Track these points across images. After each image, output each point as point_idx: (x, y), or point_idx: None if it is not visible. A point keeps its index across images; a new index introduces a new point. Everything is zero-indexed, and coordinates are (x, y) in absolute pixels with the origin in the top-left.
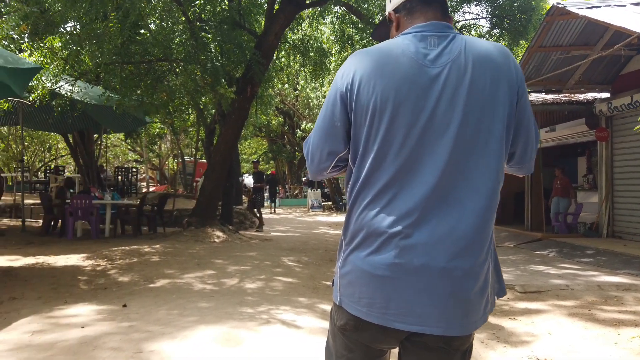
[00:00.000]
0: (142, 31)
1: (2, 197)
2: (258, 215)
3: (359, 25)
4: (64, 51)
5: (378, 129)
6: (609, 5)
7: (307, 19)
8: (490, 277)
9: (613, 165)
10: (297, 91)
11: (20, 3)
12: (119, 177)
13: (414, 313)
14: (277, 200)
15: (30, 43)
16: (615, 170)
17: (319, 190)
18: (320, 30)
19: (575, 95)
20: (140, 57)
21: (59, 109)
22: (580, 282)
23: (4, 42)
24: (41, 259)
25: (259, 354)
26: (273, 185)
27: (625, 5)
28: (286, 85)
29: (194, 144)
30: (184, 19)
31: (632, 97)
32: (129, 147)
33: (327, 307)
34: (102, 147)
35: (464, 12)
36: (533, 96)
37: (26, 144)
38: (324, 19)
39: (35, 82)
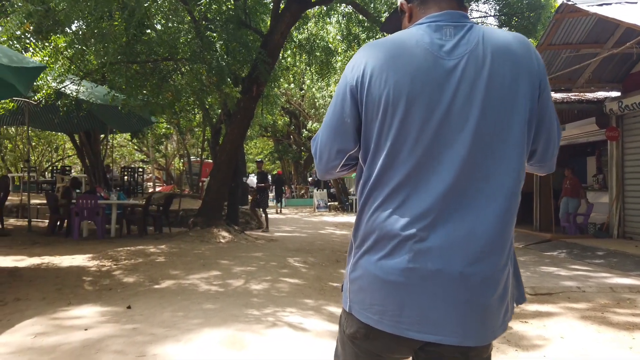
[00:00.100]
0: (148, 31)
1: (9, 197)
2: (264, 215)
3: (366, 23)
4: (69, 50)
5: (390, 125)
6: (620, 2)
7: (313, 18)
8: (510, 283)
9: (624, 165)
10: (303, 91)
11: (25, 2)
12: (125, 177)
13: (429, 321)
14: (283, 200)
15: (35, 42)
16: (626, 170)
17: (325, 190)
18: (327, 29)
19: (585, 94)
20: (145, 56)
21: (65, 108)
22: (592, 284)
23: (9, 41)
24: (46, 259)
25: (265, 358)
26: (279, 185)
27: (636, 2)
28: (292, 85)
29: (200, 144)
30: (189, 18)
31: None
32: (136, 147)
33: (334, 310)
34: (109, 147)
35: (471, 10)
36: None
37: (33, 144)
38: (330, 18)
39: (40, 81)
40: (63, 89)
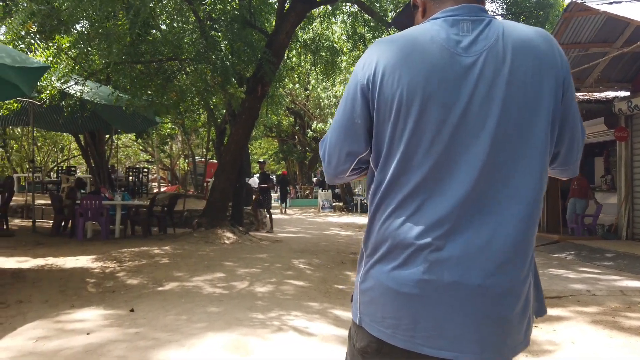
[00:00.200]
0: (153, 31)
1: (14, 198)
2: (268, 216)
3: (371, 23)
4: (73, 50)
5: (404, 127)
6: (630, 1)
7: (319, 18)
8: (531, 295)
9: (632, 166)
10: (308, 91)
11: (29, 1)
12: (130, 178)
13: (445, 336)
14: (287, 200)
15: (39, 42)
16: (635, 171)
17: (329, 190)
18: (332, 29)
19: (594, 93)
20: (150, 56)
21: (69, 109)
22: (602, 287)
23: (14, 42)
24: (50, 261)
25: None
26: (284, 186)
27: None
28: (297, 85)
29: (204, 144)
30: (194, 18)
31: None
32: (141, 147)
33: (340, 313)
34: (113, 147)
35: None
36: None
37: (39, 144)
38: (335, 18)
39: (44, 82)
40: (67, 89)
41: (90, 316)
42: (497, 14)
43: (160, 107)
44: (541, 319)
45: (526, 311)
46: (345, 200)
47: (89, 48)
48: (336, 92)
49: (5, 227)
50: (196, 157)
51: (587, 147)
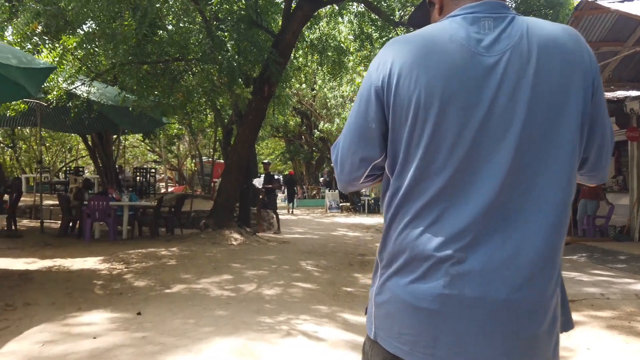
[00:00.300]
0: (160, 32)
1: (22, 198)
2: (275, 217)
3: (378, 23)
4: (79, 51)
5: (422, 131)
6: None
7: (325, 18)
8: (559, 310)
9: None
10: (315, 91)
11: (35, 1)
12: (138, 178)
13: (468, 355)
14: (295, 200)
15: (44, 43)
16: None
17: (337, 191)
18: (338, 29)
19: (605, 93)
20: (156, 56)
21: (76, 109)
22: (616, 290)
23: (22, 43)
24: (58, 262)
25: None
26: (291, 186)
27: None
28: (304, 85)
29: (211, 145)
30: (200, 18)
31: None
32: (148, 147)
33: (349, 317)
34: (121, 147)
35: None
36: None
37: (47, 144)
38: (342, 18)
39: (51, 82)
40: (74, 90)
41: (97, 319)
42: None
43: (167, 108)
44: None
45: (554, 327)
46: (353, 201)
47: (95, 49)
48: (343, 92)
49: (13, 227)
50: (203, 158)
51: None
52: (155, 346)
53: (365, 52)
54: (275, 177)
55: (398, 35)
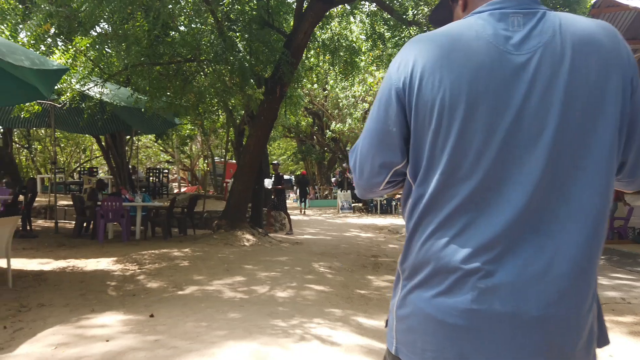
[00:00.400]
0: (172, 33)
1: (38, 199)
2: (286, 218)
3: (390, 22)
4: (92, 52)
5: (447, 135)
6: None
7: (337, 18)
8: (595, 326)
9: None
10: (326, 91)
11: (47, 3)
12: (151, 178)
13: None
14: (307, 201)
15: (57, 44)
16: None
17: (349, 191)
18: (350, 29)
19: None
20: (168, 57)
21: (89, 111)
22: (637, 294)
23: (36, 45)
24: (72, 263)
25: None
26: (303, 186)
27: None
28: (315, 85)
29: (223, 145)
30: (212, 19)
31: None
32: (161, 148)
33: (363, 320)
34: (134, 148)
35: None
36: None
37: (62, 145)
38: (354, 17)
39: (64, 84)
40: (87, 91)
41: (110, 321)
42: None
43: (179, 109)
44: None
45: (591, 345)
46: (365, 201)
47: (107, 50)
48: (354, 92)
49: (28, 228)
50: (215, 158)
51: None
52: (167, 350)
53: (377, 51)
54: (286, 177)
55: (411, 34)
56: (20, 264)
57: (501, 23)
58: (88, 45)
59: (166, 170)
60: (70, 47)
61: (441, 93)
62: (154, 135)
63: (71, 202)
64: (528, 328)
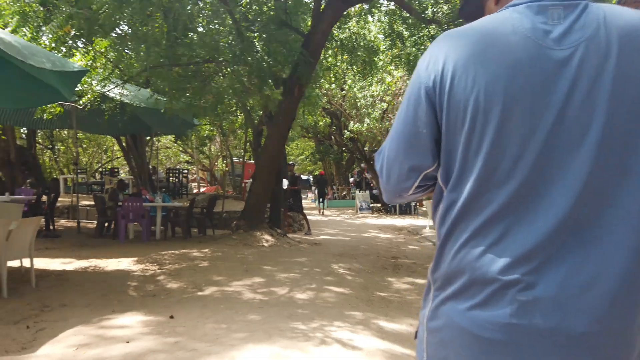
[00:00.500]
0: (191, 34)
1: (61, 199)
2: (304, 218)
3: (409, 20)
4: (112, 53)
5: (482, 137)
6: None
7: (355, 17)
8: None
9: None
10: (344, 91)
11: (68, 5)
12: (171, 179)
13: None
14: (325, 201)
15: (78, 46)
16: None
17: (367, 191)
18: (368, 28)
19: None
20: (187, 59)
21: (109, 112)
22: None
23: (58, 47)
24: (93, 262)
25: None
26: (322, 186)
27: None
28: (333, 85)
29: (242, 145)
30: (230, 20)
31: None
32: (180, 148)
33: (384, 324)
34: (154, 149)
35: None
36: None
37: (84, 146)
38: (372, 17)
39: (84, 85)
40: (107, 92)
41: (130, 322)
42: None
43: (198, 109)
44: None
45: None
46: (384, 202)
47: (128, 52)
48: (373, 91)
49: (51, 227)
50: (234, 158)
51: None
52: (187, 352)
53: (396, 51)
54: (304, 177)
55: (430, 33)
56: (43, 263)
57: (539, 16)
58: (107, 46)
59: (186, 171)
60: (90, 48)
61: (475, 92)
62: (174, 135)
63: (93, 202)
64: (572, 345)
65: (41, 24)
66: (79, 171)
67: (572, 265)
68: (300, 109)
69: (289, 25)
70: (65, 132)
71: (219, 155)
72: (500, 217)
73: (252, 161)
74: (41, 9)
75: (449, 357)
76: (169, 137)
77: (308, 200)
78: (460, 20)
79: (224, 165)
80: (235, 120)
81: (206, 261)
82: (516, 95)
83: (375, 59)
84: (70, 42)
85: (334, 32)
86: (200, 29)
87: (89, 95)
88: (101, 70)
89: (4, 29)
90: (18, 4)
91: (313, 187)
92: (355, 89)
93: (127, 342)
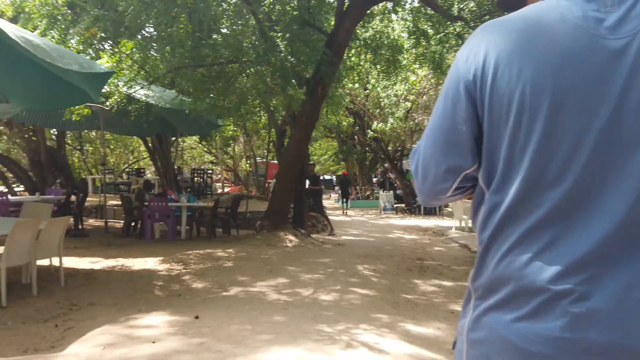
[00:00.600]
0: (215, 36)
1: (89, 198)
2: (325, 219)
3: (434, 18)
4: (138, 55)
5: (529, 135)
6: None
7: (378, 16)
8: None
9: None
10: (367, 90)
11: (94, 7)
12: (196, 179)
13: None
14: (348, 201)
15: (104, 48)
16: None
17: (391, 192)
18: (392, 27)
19: None
20: (211, 60)
21: (135, 113)
22: None
23: (86, 50)
24: (120, 262)
25: None
26: (345, 186)
27: None
28: (356, 85)
29: (265, 145)
30: (253, 21)
31: None
32: (205, 149)
33: (411, 327)
34: (179, 149)
35: None
36: None
37: (112, 147)
38: (396, 15)
39: (111, 86)
40: (133, 93)
41: (156, 322)
42: None
43: (221, 110)
44: None
45: None
46: (408, 202)
47: (154, 53)
48: (396, 91)
49: (80, 227)
50: (257, 158)
51: None
52: (212, 353)
53: (420, 49)
54: (327, 177)
55: (456, 31)
56: (71, 262)
57: (591, 3)
58: (133, 48)
59: (210, 171)
60: (116, 50)
61: (520, 85)
62: (198, 136)
63: (120, 202)
64: None
65: (69, 27)
66: (106, 171)
67: (631, 275)
68: (324, 109)
69: (312, 25)
70: (94, 133)
71: (243, 155)
72: (550, 222)
73: (276, 161)
74: (69, 11)
75: None
76: (194, 137)
77: (331, 201)
78: (487, 17)
79: (247, 165)
80: (259, 120)
81: (230, 261)
82: (567, 88)
83: (399, 57)
84: (96, 44)
85: (358, 31)
86: (224, 30)
87: (115, 97)
88: (127, 71)
89: (33, 32)
90: (47, 8)
91: (336, 188)
92: (378, 88)
93: (153, 342)
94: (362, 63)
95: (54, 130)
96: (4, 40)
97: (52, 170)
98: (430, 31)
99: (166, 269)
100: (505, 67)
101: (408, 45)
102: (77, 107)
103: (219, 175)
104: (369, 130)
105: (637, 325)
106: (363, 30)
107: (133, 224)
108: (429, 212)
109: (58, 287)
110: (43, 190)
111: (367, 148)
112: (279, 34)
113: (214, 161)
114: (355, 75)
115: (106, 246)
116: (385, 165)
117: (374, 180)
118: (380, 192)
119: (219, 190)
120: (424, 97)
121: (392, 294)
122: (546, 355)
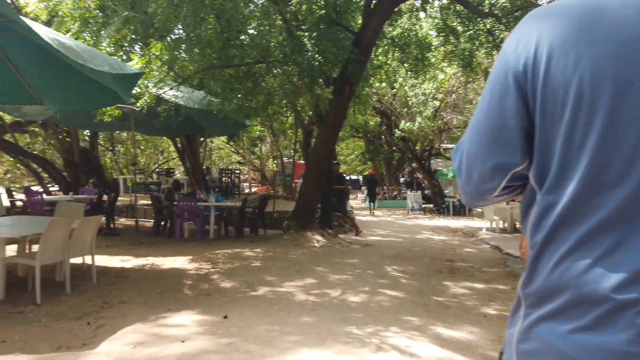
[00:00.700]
0: (242, 37)
1: (120, 198)
2: (350, 219)
3: (463, 15)
4: (166, 56)
5: (588, 130)
6: None
7: (406, 14)
8: None
9: None
10: (395, 89)
11: (124, 9)
12: (224, 179)
13: None
14: (376, 201)
15: (134, 49)
16: None
17: (419, 192)
18: (420, 25)
19: None
20: (239, 60)
21: (164, 114)
22: None
23: (117, 51)
24: (150, 260)
25: None
26: (372, 186)
27: None
28: (384, 84)
29: (292, 145)
30: (280, 21)
31: None
32: (232, 149)
33: (442, 331)
34: (207, 149)
35: None
36: None
37: (142, 147)
38: (424, 12)
39: (141, 87)
40: (162, 94)
41: (185, 321)
42: None
43: (249, 110)
44: None
45: None
46: (436, 202)
47: (182, 53)
48: (424, 89)
49: (112, 226)
50: (284, 158)
51: None
52: (241, 354)
53: (449, 46)
54: (353, 177)
55: (487, 27)
56: (103, 260)
57: None
58: (162, 49)
59: (237, 171)
60: (146, 52)
61: (578, 76)
62: (226, 136)
63: (150, 202)
64: None
65: (100, 29)
66: (137, 172)
67: None
68: (351, 109)
69: (339, 24)
70: (125, 134)
71: (270, 155)
72: (612, 225)
73: (302, 161)
74: (100, 14)
75: None
76: (222, 137)
77: (358, 201)
78: (520, 13)
79: (274, 165)
80: (286, 120)
81: (258, 261)
82: (631, 78)
83: (428, 55)
84: (127, 45)
85: (385, 29)
86: (252, 30)
87: (145, 98)
88: (157, 72)
89: (65, 35)
90: (79, 11)
91: (363, 188)
92: (406, 87)
93: (182, 341)
94: (389, 62)
95: (87, 131)
96: (38, 43)
97: (85, 171)
98: (460, 28)
99: (195, 268)
100: (561, 55)
101: (437, 42)
102: (108, 108)
103: (247, 175)
104: (397, 130)
105: None
106: (391, 29)
107: (163, 223)
108: (458, 212)
109: (90, 285)
110: (76, 190)
111: (394, 148)
112: (306, 34)
113: (242, 161)
114: (382, 74)
115: (137, 245)
116: (413, 165)
117: (401, 180)
118: (408, 192)
119: (247, 190)
120: (453, 96)
121: (422, 296)
122: None
